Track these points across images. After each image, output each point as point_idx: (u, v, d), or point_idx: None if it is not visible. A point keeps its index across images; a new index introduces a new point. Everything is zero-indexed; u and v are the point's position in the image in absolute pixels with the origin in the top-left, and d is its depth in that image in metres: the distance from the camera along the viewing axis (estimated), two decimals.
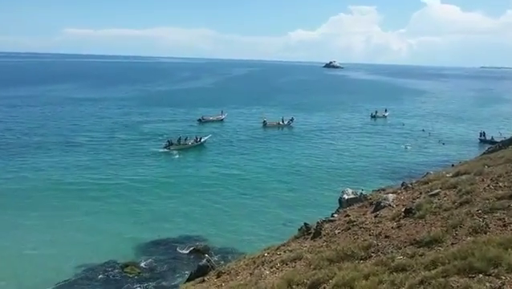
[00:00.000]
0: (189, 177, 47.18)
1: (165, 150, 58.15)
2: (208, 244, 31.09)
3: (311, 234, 14.61)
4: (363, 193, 18.26)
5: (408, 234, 11.11)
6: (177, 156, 55.86)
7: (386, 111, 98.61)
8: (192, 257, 29.19)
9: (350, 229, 13.29)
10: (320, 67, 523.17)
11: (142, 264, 28.24)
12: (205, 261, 19.34)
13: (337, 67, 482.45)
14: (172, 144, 59.14)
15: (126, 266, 27.47)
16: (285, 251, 13.78)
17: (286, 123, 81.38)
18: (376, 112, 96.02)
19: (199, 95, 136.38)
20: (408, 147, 64.13)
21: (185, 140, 61.46)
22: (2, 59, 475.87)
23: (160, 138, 65.11)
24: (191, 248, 30.31)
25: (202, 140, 62.46)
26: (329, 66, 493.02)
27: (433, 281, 7.80)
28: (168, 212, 37.20)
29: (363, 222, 13.40)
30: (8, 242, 30.66)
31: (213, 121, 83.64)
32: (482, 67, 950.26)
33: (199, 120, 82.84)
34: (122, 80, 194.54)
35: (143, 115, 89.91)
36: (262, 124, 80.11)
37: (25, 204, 37.34)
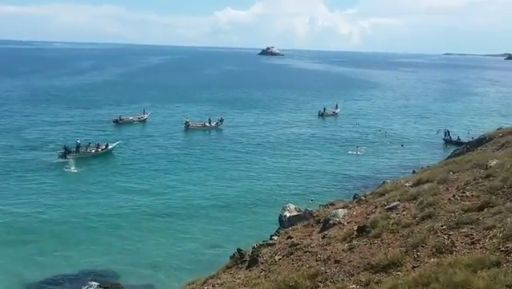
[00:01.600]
0: (91, 196, 45.94)
1: (60, 160, 56.37)
2: (118, 280, 30.42)
3: (246, 262, 14.64)
4: (309, 209, 18.55)
5: (361, 258, 11.39)
6: (74, 169, 54.11)
7: (337, 107, 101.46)
8: None
9: (293, 253, 13.44)
10: (255, 54, 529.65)
11: None
12: None
13: (275, 54, 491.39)
14: (69, 153, 57.59)
15: None
16: (213, 285, 13.71)
17: (213, 124, 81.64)
18: (325, 110, 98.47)
19: (104, 90, 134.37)
20: (360, 152, 66.01)
21: (87, 147, 60.12)
22: None
23: (53, 146, 63.15)
24: (95, 285, 29.50)
25: (109, 147, 61.30)
26: (266, 53, 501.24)
27: None
28: (62, 241, 36.01)
29: (308, 245, 13.59)
30: None
31: (133, 122, 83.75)
32: (446, 54, 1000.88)
33: (115, 121, 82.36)
34: None
35: (28, 116, 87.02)
36: (183, 126, 79.89)
37: None
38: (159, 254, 34.14)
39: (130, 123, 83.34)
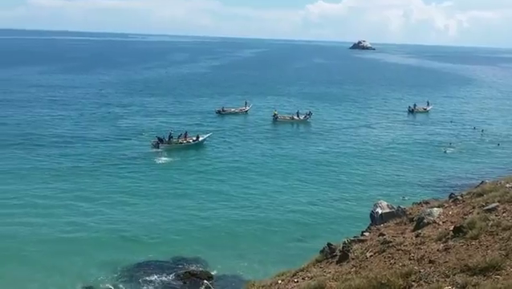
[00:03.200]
0: (182, 187, 47.04)
1: (154, 150, 58.39)
2: (206, 268, 31.18)
3: (336, 257, 14.52)
4: (402, 206, 18.14)
5: (458, 259, 11.02)
6: (165, 159, 55.71)
7: (428, 104, 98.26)
8: (187, 283, 29.29)
9: (385, 251, 13.20)
10: (346, 47, 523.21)
11: None
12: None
13: (367, 48, 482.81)
14: (162, 142, 59.48)
15: None
16: (303, 278, 13.70)
17: (301, 118, 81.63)
18: (415, 106, 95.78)
19: (198, 82, 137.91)
20: (449, 150, 63.69)
21: (179, 137, 61.69)
22: None
23: (147, 135, 65.54)
24: (185, 272, 30.38)
25: (200, 138, 62.58)
26: (357, 46, 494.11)
27: None
28: (155, 230, 37.16)
29: (401, 243, 13.30)
30: None
31: (235, 113, 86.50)
32: None
33: (218, 112, 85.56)
34: (100, 63, 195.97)
35: (125, 106, 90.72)
36: (272, 119, 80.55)
37: None
38: (247, 245, 34.58)
39: (232, 114, 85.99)
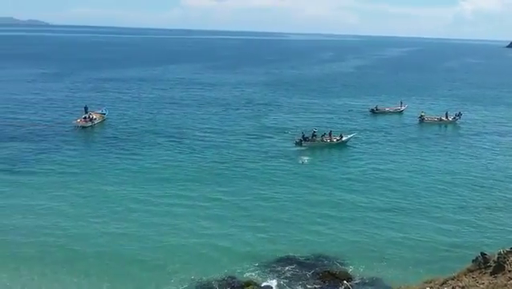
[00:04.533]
0: (322, 186, 46.67)
1: (297, 148, 58.94)
2: (346, 268, 30.91)
3: (491, 268, 13.71)
4: None
5: None
6: (306, 158, 55.44)
7: None
8: (326, 282, 29.24)
9: None
10: (502, 46, 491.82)
11: (264, 284, 28.94)
12: None
13: None
14: (305, 140, 59.93)
15: (247, 284, 28.43)
16: (454, 287, 13.11)
17: (450, 119, 78.09)
18: None
19: (343, 80, 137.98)
20: None
21: (322, 136, 61.69)
22: (111, 35, 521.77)
23: (291, 133, 66.19)
24: (324, 271, 30.35)
25: (344, 138, 62.13)
26: None
27: None
28: (295, 226, 37.47)
29: None
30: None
31: (389, 113, 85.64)
32: None
33: (371, 111, 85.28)
34: (247, 61, 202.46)
35: (269, 103, 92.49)
36: (418, 120, 78.18)
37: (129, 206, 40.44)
38: (388, 249, 33.73)
39: (386, 113, 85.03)
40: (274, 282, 29.20)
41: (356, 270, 30.78)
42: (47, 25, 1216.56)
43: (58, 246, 32.65)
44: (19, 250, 32.03)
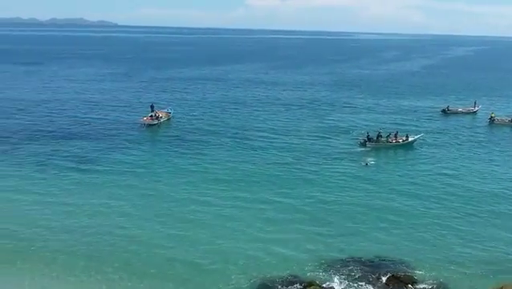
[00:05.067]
0: (386, 188, 45.88)
1: (361, 148, 58.38)
2: (410, 272, 30.35)
3: None
4: None
5: None
6: (371, 159, 54.40)
7: None
8: (390, 286, 28.89)
9: None
10: None
11: (327, 285, 28.81)
12: None
13: None
14: (370, 141, 59.28)
15: (309, 284, 28.36)
16: None
17: None
18: None
19: (408, 80, 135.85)
20: None
21: (387, 136, 60.71)
22: (177, 35, 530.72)
23: (355, 133, 65.64)
24: (388, 274, 29.91)
25: (410, 139, 60.88)
26: None
27: None
28: (358, 229, 37.05)
29: None
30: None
31: (461, 114, 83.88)
32: None
33: (443, 111, 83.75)
34: (311, 61, 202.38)
35: (334, 103, 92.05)
36: (488, 121, 76.00)
37: (190, 200, 41.31)
38: (454, 254, 32.94)
39: (458, 114, 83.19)
40: (336, 284, 29.07)
41: (421, 274, 30.18)
42: (116, 25, 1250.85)
43: (117, 247, 33.17)
44: (83, 248, 32.86)
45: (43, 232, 34.98)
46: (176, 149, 56.99)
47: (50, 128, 65.82)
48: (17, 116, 73.11)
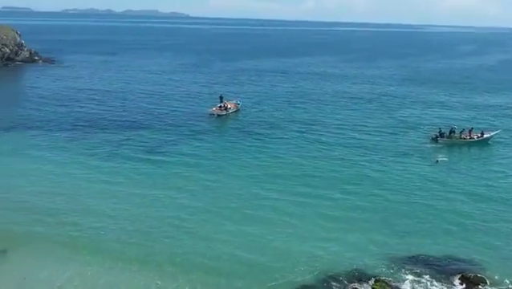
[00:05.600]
0: (458, 185, 44.49)
1: (432, 144, 56.96)
2: (483, 273, 29.54)
3: None
4: None
5: None
6: (443, 156, 52.73)
7: None
8: (458, 286, 28.36)
9: None
10: None
11: (394, 282, 28.44)
12: None
13: None
14: (442, 136, 57.75)
15: (377, 281, 28.13)
16: None
17: None
18: None
19: (484, 75, 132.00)
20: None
21: (461, 132, 58.90)
22: (247, 26, 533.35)
23: (426, 129, 64.18)
24: (457, 274, 29.27)
25: (485, 135, 58.74)
26: None
27: None
28: (430, 226, 36.29)
29: None
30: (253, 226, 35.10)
31: None
32: None
33: None
34: (382, 54, 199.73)
35: (404, 97, 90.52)
36: None
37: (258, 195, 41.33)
38: None
39: None
40: (405, 282, 28.67)
41: (491, 277, 29.26)
42: (187, 17, 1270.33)
43: (175, 239, 33.36)
44: (142, 238, 33.28)
45: (108, 220, 35.79)
46: (242, 141, 57.35)
47: (121, 118, 67.79)
48: (90, 106, 75.84)
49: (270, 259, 30.87)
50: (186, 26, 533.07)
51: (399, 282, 28.61)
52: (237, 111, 73.38)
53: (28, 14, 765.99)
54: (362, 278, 28.81)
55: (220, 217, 36.73)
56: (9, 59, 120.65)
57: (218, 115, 69.74)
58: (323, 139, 59.26)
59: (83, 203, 38.71)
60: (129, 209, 37.83)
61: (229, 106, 72.03)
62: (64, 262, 29.99)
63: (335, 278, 28.87)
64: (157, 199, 39.85)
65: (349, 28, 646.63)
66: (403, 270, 29.92)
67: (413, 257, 31.55)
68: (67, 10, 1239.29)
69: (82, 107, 74.55)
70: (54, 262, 30.05)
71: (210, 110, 70.92)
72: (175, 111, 73.49)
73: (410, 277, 29.09)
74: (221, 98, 73.54)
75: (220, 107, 71.14)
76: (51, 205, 38.19)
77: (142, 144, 55.41)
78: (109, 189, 41.77)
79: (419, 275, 29.31)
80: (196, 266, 30.03)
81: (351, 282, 28.35)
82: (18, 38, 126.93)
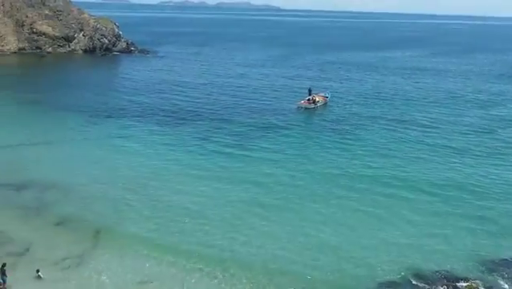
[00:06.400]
0: None
1: None
2: None
3: None
4: None
5: None
6: None
7: None
8: None
9: None
10: None
11: (482, 287, 27.39)
12: None
13: None
14: None
15: (467, 285, 27.37)
16: None
17: None
18: None
19: None
20: None
21: None
22: (333, 19, 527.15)
23: None
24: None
25: None
26: None
27: None
28: None
29: None
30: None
31: None
32: None
33: None
34: (476, 48, 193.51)
35: (503, 94, 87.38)
36: None
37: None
38: None
39: None
40: (495, 284, 27.62)
41: None
42: (278, 9, 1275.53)
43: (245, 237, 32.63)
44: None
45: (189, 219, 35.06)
46: (328, 137, 56.43)
47: (210, 110, 68.74)
48: (179, 97, 77.32)
49: (357, 258, 30.22)
50: (277, 18, 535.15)
51: (491, 287, 27.52)
52: (325, 104, 72.94)
53: (126, 6, 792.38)
54: (453, 279, 27.91)
55: (298, 218, 35.49)
56: (107, 49, 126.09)
57: (306, 108, 69.65)
58: (412, 136, 57.29)
59: (167, 196, 38.48)
60: (214, 207, 36.94)
61: (317, 99, 71.69)
62: (144, 260, 29.33)
63: (423, 276, 28.17)
64: (238, 193, 39.34)
65: (437, 20, 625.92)
66: (494, 273, 28.73)
67: (506, 260, 30.24)
68: (163, 2, 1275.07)
69: (171, 97, 76.43)
70: (134, 258, 29.45)
71: (298, 103, 70.91)
72: (263, 103, 74.02)
73: (501, 282, 27.89)
74: (309, 91, 73.47)
75: (308, 100, 70.97)
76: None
77: (228, 135, 55.63)
78: (191, 182, 41.56)
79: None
80: (278, 270, 28.82)
81: (442, 285, 27.51)
82: (117, 30, 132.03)
